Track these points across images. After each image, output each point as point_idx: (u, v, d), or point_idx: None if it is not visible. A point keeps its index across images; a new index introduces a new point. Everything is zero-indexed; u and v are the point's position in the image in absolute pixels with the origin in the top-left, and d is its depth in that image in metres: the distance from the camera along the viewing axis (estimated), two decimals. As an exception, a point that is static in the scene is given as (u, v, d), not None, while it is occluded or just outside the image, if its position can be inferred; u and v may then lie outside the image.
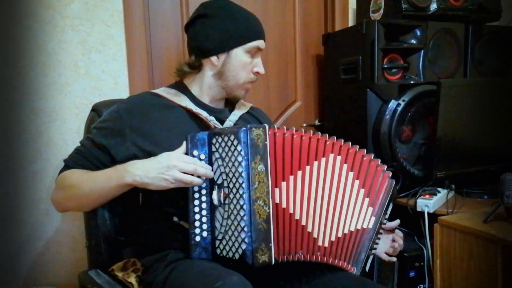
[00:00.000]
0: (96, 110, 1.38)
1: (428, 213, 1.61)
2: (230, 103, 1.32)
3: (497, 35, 1.90)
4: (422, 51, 1.75)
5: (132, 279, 1.23)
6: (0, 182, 1.58)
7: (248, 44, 1.19)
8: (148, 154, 1.12)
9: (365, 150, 1.17)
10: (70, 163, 1.17)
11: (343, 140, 1.14)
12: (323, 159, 1.10)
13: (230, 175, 1.02)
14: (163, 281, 1.09)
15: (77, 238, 1.70)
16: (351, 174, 1.14)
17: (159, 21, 1.83)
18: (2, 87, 1.56)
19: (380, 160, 1.19)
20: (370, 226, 1.17)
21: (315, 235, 1.09)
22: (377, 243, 1.21)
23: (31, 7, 1.58)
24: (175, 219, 1.14)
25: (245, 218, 0.99)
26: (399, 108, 1.69)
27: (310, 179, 1.08)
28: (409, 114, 1.72)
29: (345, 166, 1.13)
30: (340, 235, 1.12)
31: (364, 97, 1.72)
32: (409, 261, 1.62)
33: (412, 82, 1.76)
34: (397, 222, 1.30)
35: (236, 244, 1.00)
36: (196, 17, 1.23)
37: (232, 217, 1.01)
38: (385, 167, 1.20)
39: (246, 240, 0.98)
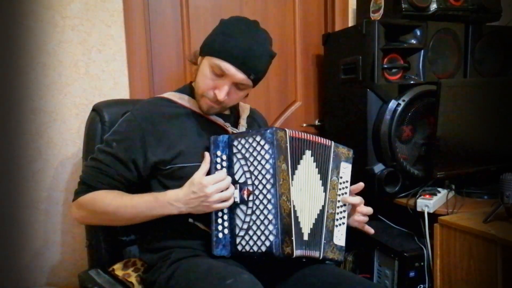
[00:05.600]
0: (97, 110, 1.38)
1: (428, 213, 1.61)
2: (234, 107, 1.33)
3: (497, 35, 1.90)
4: (422, 51, 1.75)
5: (133, 279, 1.23)
6: (0, 182, 1.58)
7: (212, 57, 1.15)
8: (168, 161, 1.14)
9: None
10: (94, 183, 1.14)
11: (313, 136, 1.18)
12: (304, 157, 1.15)
13: (256, 172, 1.07)
14: (168, 279, 1.10)
15: (77, 238, 1.70)
16: (314, 164, 1.18)
17: (159, 21, 1.83)
18: (2, 87, 1.56)
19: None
20: (322, 202, 1.19)
21: (303, 230, 1.13)
22: (340, 212, 1.22)
23: (31, 7, 1.58)
24: (190, 220, 1.15)
25: (272, 211, 1.04)
26: (399, 108, 1.69)
27: (301, 176, 1.13)
28: (409, 114, 1.72)
29: (311, 159, 1.17)
30: (311, 226, 1.15)
31: (364, 97, 1.72)
32: (409, 261, 1.62)
33: (412, 82, 1.75)
34: (360, 185, 1.27)
35: (263, 237, 1.05)
36: None
37: (258, 212, 1.06)
38: (328, 141, 1.22)
39: (274, 232, 1.03)
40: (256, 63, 1.15)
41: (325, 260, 1.18)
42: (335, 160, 1.22)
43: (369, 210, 1.28)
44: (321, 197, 1.19)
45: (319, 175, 1.19)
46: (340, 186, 1.23)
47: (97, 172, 1.15)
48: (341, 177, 1.23)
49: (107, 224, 1.26)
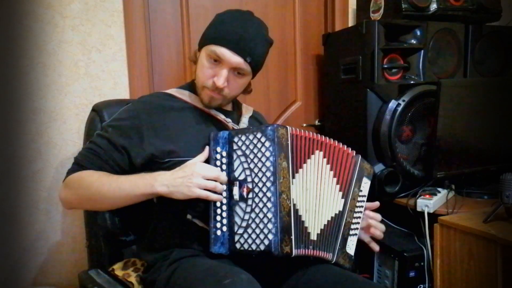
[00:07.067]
0: (97, 110, 1.38)
1: (428, 213, 1.61)
2: (237, 105, 1.34)
3: (497, 35, 1.90)
4: (422, 51, 1.75)
5: (132, 279, 1.23)
6: (0, 182, 1.58)
7: (208, 46, 1.16)
8: (167, 153, 1.14)
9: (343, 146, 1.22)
10: (85, 163, 1.14)
11: (324, 137, 1.18)
12: (312, 156, 1.14)
13: (256, 170, 1.06)
14: (167, 279, 1.10)
15: (77, 238, 1.70)
16: (328, 166, 1.17)
17: (159, 21, 1.83)
18: (2, 87, 1.56)
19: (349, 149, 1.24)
20: (341, 208, 1.19)
21: (309, 230, 1.12)
22: (355, 223, 1.23)
23: (31, 7, 1.58)
24: (189, 216, 1.15)
25: (272, 209, 1.03)
26: (399, 108, 1.69)
27: (306, 176, 1.12)
28: (409, 114, 1.72)
29: (324, 160, 1.17)
30: (322, 226, 1.15)
31: (364, 97, 1.72)
32: (409, 261, 1.62)
33: (412, 82, 1.75)
34: (375, 204, 1.32)
35: (262, 236, 1.03)
36: None
37: (257, 210, 1.05)
38: (353, 152, 1.24)
39: (273, 230, 1.02)
40: (251, 45, 1.16)
41: (336, 265, 1.18)
42: (359, 173, 1.23)
43: (382, 228, 1.30)
44: (339, 202, 1.19)
45: (335, 178, 1.18)
46: (358, 199, 1.23)
47: (90, 153, 1.15)
48: (361, 191, 1.24)
49: (90, 206, 1.23)
